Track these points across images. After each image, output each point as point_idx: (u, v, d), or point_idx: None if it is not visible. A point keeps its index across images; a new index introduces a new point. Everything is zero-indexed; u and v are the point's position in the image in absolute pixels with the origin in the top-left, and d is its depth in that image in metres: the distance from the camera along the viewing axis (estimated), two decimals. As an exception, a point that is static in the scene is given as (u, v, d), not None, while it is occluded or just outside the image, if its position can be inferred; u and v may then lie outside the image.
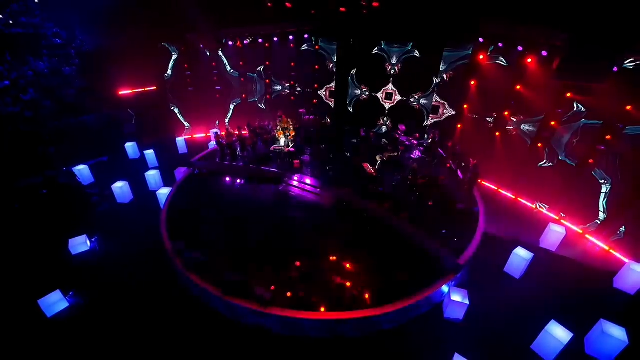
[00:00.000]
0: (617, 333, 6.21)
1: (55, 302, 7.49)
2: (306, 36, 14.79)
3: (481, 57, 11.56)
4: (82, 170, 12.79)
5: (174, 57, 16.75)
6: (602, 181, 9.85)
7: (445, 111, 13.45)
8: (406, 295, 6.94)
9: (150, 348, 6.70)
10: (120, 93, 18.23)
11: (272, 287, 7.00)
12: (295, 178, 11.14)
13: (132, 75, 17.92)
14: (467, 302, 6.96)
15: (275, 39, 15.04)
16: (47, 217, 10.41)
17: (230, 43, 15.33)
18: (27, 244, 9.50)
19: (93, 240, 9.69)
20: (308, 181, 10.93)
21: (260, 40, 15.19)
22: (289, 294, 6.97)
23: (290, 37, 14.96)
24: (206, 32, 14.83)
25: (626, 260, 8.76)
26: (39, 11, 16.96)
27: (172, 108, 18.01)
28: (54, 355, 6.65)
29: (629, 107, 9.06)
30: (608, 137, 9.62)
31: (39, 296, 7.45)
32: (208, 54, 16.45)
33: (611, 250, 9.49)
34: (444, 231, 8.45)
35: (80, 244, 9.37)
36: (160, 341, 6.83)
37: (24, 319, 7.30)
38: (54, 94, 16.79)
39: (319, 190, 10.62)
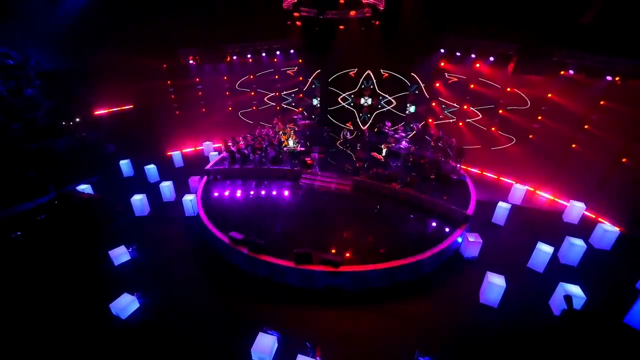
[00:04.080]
0: (578, 242, 9.01)
1: (127, 305, 7.69)
2: (292, 51, 16.48)
3: (442, 64, 14.63)
4: (85, 190, 12.31)
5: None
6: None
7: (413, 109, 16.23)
8: (439, 242, 8.93)
9: (237, 325, 7.44)
10: (96, 113, 17.56)
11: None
12: (311, 172, 12.58)
13: (109, 95, 17.48)
14: (481, 240, 9.21)
15: (264, 54, 16.44)
16: (72, 233, 10.08)
17: (234, 57, 16.25)
18: (62, 261, 9.19)
19: (130, 249, 9.73)
20: (323, 174, 12.48)
21: (249, 55, 16.40)
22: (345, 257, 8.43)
23: (277, 53, 16.52)
24: (208, 47, 15.52)
25: (567, 203, 12.06)
26: (-22, 33, 15.81)
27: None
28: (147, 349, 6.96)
29: (549, 95, 12.77)
30: (540, 117, 13.26)
31: (108, 302, 7.62)
32: (192, 66, 16.96)
33: (555, 199, 12.90)
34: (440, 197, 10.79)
35: (121, 254, 9.41)
36: (244, 318, 7.61)
37: (103, 325, 7.38)
38: (21, 116, 15.74)
39: (336, 179, 12.22)
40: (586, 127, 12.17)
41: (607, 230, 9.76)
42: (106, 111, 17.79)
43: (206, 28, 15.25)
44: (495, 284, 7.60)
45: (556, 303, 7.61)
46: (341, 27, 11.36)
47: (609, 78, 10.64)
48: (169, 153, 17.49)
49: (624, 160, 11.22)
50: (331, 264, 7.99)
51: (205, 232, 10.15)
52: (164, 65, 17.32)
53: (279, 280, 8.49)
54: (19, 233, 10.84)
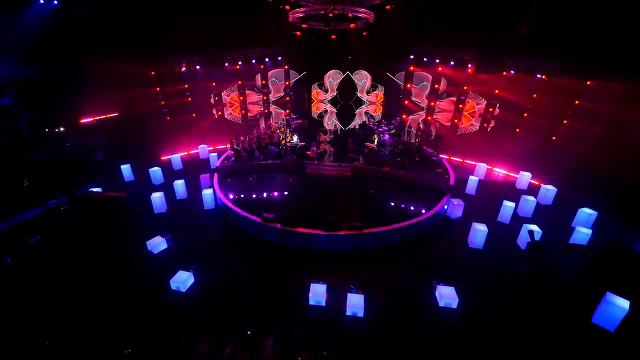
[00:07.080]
0: (531, 198, 11.94)
1: (185, 280, 8.62)
2: (280, 58, 18.09)
3: (411, 68, 17.40)
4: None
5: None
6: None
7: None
8: (433, 206, 11.21)
9: (287, 283, 8.83)
10: (82, 121, 17.32)
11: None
12: (314, 163, 14.31)
13: (94, 103, 17.39)
14: (463, 203, 11.69)
15: (253, 61, 17.80)
16: (101, 231, 10.52)
17: (226, 64, 17.30)
18: (101, 256, 9.71)
19: (167, 237, 10.44)
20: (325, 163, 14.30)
21: (239, 62, 17.65)
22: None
23: (266, 60, 17.99)
24: (203, 54, 16.41)
25: (517, 175, 15.26)
26: None
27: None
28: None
29: (497, 91, 16.11)
30: (491, 109, 16.55)
31: (166, 280, 8.53)
32: (184, 73, 17.67)
33: (509, 173, 16.15)
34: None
35: (158, 243, 10.14)
36: (291, 277, 9.02)
37: (169, 298, 8.28)
38: (2, 127, 15.32)
39: (337, 167, 14.08)
40: (525, 115, 15.62)
41: (549, 190, 12.92)
42: (92, 119, 17.62)
43: (200, 36, 16.23)
44: (479, 229, 10.02)
45: (522, 240, 10.23)
46: (333, 36, 13.32)
47: (538, 76, 14.08)
48: (163, 158, 17.83)
49: (554, 138, 14.75)
50: (356, 228, 9.75)
51: (233, 218, 11.27)
52: (152, 73, 17.77)
53: (313, 247, 10.02)
54: (37, 238, 10.90)
